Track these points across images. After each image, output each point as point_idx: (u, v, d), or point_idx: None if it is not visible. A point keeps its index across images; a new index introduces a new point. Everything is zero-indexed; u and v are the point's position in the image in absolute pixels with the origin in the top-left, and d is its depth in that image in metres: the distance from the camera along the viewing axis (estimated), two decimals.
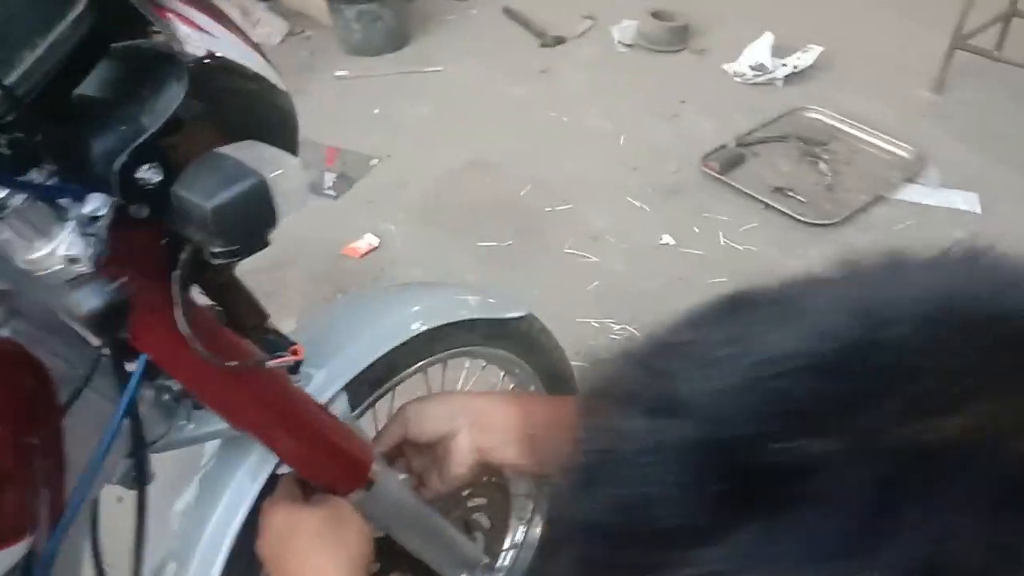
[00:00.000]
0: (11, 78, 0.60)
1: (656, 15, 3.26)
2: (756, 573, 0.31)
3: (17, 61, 0.60)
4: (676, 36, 3.25)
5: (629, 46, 3.27)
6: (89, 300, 0.64)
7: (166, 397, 0.85)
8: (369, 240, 2.35)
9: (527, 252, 2.33)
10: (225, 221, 0.63)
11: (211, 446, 0.95)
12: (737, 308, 0.37)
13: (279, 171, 0.64)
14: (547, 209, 2.47)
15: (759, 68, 3.02)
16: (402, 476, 1.00)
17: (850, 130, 2.73)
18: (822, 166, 2.60)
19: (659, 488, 0.33)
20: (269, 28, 3.39)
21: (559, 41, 3.30)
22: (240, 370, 0.76)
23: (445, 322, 1.06)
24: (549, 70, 3.15)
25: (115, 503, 0.91)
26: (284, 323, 2.21)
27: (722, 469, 0.33)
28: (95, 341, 0.77)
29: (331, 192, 2.55)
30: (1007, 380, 0.32)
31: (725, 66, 3.08)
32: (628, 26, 3.29)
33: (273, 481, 0.90)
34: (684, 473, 0.33)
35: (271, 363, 0.76)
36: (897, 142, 2.64)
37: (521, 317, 1.17)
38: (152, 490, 0.86)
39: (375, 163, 2.67)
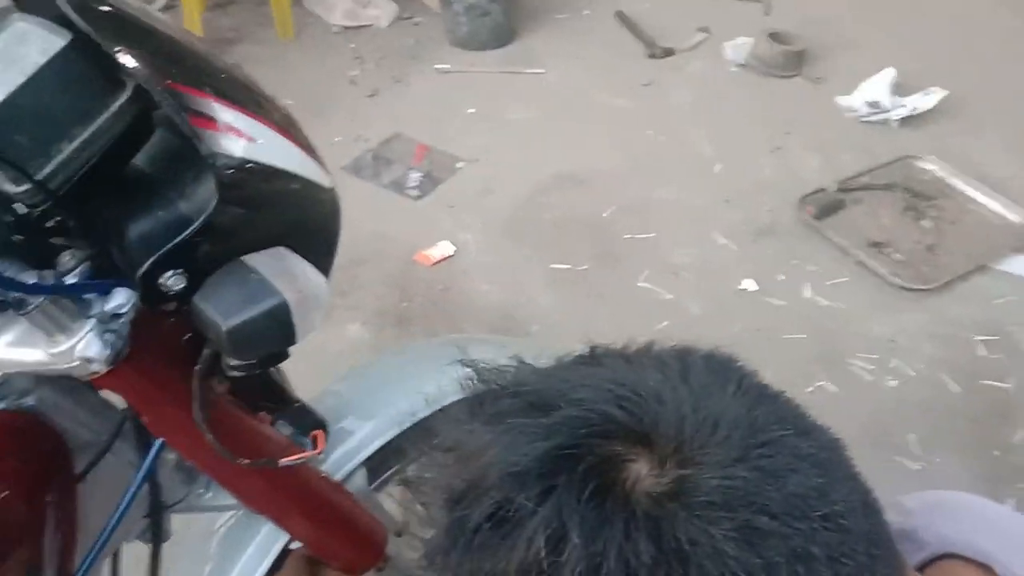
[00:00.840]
0: (44, 171, 0.60)
1: (774, 36, 3.12)
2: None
3: (54, 152, 0.60)
4: (791, 61, 3.10)
5: (741, 66, 3.14)
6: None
7: (188, 463, 0.85)
8: (443, 248, 2.34)
9: (601, 279, 2.28)
10: (241, 340, 0.61)
11: (222, 521, 0.95)
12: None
13: (300, 292, 0.62)
14: (627, 236, 2.41)
15: (875, 105, 2.86)
16: (417, 555, 0.98)
17: (962, 186, 2.56)
18: (925, 223, 2.46)
19: None
20: (379, 11, 3.40)
21: (668, 53, 3.20)
22: (253, 467, 0.75)
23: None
24: (654, 83, 3.06)
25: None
26: (350, 327, 2.21)
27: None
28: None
29: (414, 191, 2.54)
30: None
31: (839, 99, 2.93)
32: (742, 44, 3.16)
33: (284, 555, 0.90)
34: None
35: (285, 461, 0.75)
36: (1012, 207, 2.47)
37: None
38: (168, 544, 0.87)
39: (461, 166, 2.65)
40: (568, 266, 2.32)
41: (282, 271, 0.63)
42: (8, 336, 0.65)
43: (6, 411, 0.70)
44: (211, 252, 0.63)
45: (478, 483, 0.44)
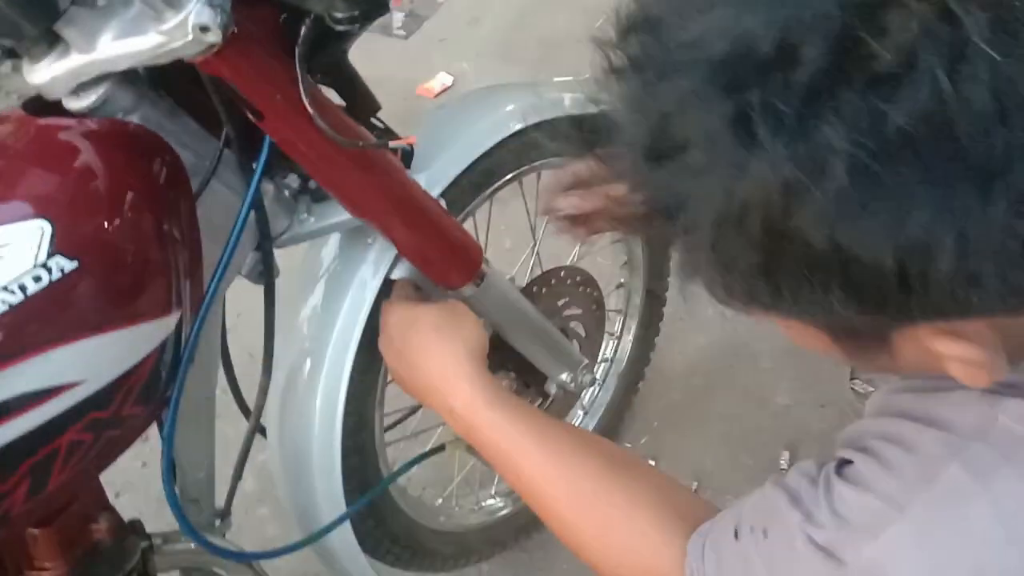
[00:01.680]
0: None
1: None
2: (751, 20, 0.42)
3: None
4: None
5: None
6: None
7: (286, 193, 0.87)
8: (442, 79, 2.32)
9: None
10: None
11: (328, 255, 0.98)
12: None
13: None
14: None
15: None
16: (508, 275, 1.02)
17: None
18: None
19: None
20: None
21: None
22: (363, 149, 0.77)
23: (542, 119, 1.05)
24: None
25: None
26: None
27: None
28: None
29: (401, 32, 2.50)
30: None
31: None
32: None
33: (388, 286, 0.93)
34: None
35: (393, 143, 0.77)
36: None
37: None
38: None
39: (443, 0, 2.60)
40: (569, 78, 2.31)
41: None
42: (110, 31, 0.65)
43: (122, 121, 0.71)
44: None
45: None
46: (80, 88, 0.69)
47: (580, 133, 0.69)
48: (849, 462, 0.59)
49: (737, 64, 0.42)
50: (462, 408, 0.81)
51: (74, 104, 0.70)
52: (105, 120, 0.71)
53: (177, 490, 0.93)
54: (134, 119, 0.73)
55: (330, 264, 0.96)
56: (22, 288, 0.60)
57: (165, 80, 0.75)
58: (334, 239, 0.98)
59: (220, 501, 0.98)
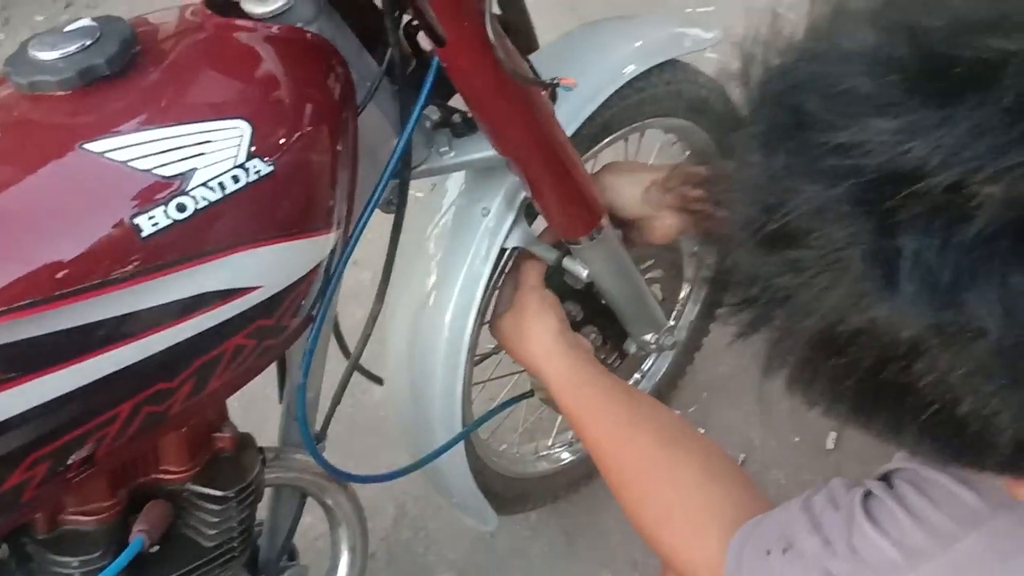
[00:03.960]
0: None
1: None
2: (921, 144, 0.36)
3: None
4: None
5: None
6: None
7: (427, 124, 0.87)
8: None
9: None
10: None
11: (455, 191, 0.98)
12: None
13: None
14: None
15: None
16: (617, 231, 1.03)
17: None
18: None
19: (853, 67, 0.39)
20: None
21: None
22: (534, 84, 0.77)
23: (666, 58, 1.05)
24: None
25: None
26: None
27: (907, 57, 0.38)
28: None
29: None
30: None
31: None
32: None
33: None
34: (877, 52, 0.39)
35: (562, 82, 0.77)
36: None
37: None
38: None
39: None
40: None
41: None
42: None
43: (303, 30, 0.70)
44: None
45: None
46: None
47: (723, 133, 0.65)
48: (876, 496, 0.59)
49: (893, 192, 0.37)
50: (554, 383, 0.93)
51: (258, 8, 0.69)
52: (286, 27, 0.70)
53: (284, 407, 0.94)
54: (312, 30, 0.72)
55: (456, 201, 0.96)
56: (221, 186, 0.60)
57: None
58: (458, 179, 0.98)
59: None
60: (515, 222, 0.94)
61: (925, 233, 0.36)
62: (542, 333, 0.95)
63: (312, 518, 1.08)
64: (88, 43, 0.60)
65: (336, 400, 0.97)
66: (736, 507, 0.76)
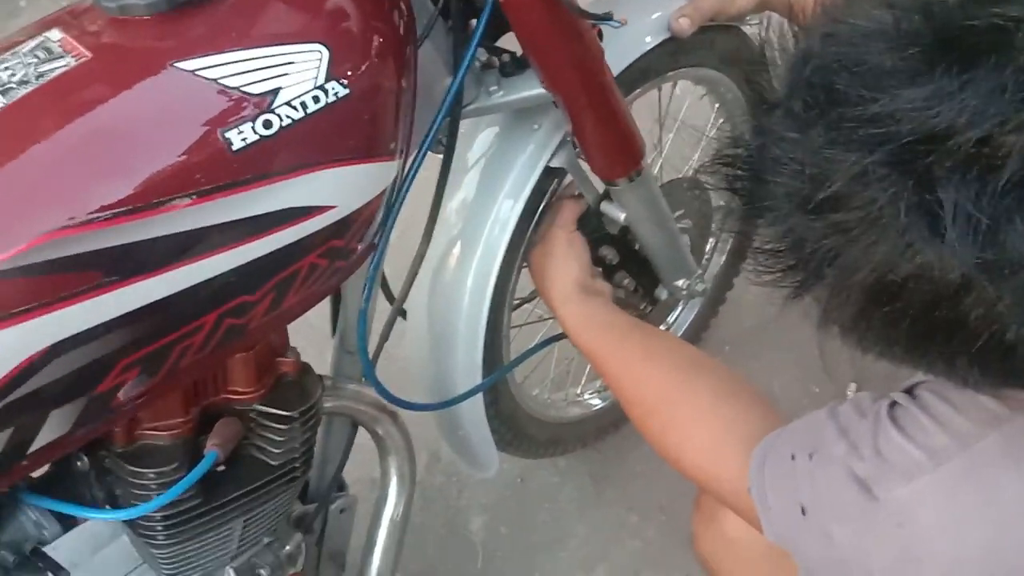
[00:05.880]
0: None
1: None
2: (947, 108, 0.41)
3: None
4: None
5: None
6: None
7: (477, 64, 0.90)
8: None
9: None
10: None
11: (489, 136, 1.01)
12: None
13: None
14: None
15: None
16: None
17: None
18: None
19: (876, 44, 0.44)
20: None
21: None
22: (591, 20, 0.80)
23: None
24: None
25: None
26: None
27: (924, 31, 0.42)
28: None
29: None
30: None
31: None
32: None
33: (547, 174, 0.97)
34: (896, 29, 0.43)
35: (618, 20, 0.80)
36: None
37: None
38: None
39: None
40: None
41: None
42: None
43: None
44: None
45: None
46: None
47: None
48: (901, 405, 0.63)
49: (927, 152, 0.42)
50: (569, 327, 0.98)
51: None
52: None
53: (337, 339, 0.97)
54: None
55: (491, 144, 0.99)
56: (303, 106, 0.63)
57: None
58: (493, 122, 1.01)
59: None
60: (563, 143, 0.96)
61: (961, 184, 0.41)
62: (563, 278, 0.99)
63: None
64: None
65: (384, 337, 1.00)
66: (755, 422, 0.80)
